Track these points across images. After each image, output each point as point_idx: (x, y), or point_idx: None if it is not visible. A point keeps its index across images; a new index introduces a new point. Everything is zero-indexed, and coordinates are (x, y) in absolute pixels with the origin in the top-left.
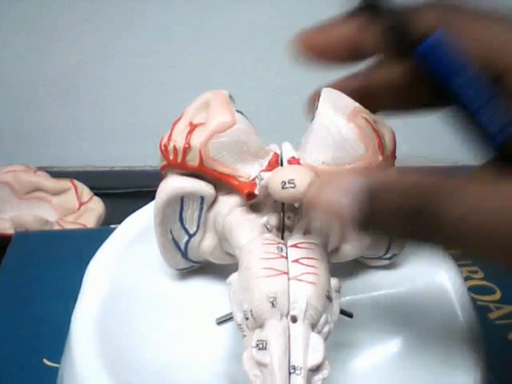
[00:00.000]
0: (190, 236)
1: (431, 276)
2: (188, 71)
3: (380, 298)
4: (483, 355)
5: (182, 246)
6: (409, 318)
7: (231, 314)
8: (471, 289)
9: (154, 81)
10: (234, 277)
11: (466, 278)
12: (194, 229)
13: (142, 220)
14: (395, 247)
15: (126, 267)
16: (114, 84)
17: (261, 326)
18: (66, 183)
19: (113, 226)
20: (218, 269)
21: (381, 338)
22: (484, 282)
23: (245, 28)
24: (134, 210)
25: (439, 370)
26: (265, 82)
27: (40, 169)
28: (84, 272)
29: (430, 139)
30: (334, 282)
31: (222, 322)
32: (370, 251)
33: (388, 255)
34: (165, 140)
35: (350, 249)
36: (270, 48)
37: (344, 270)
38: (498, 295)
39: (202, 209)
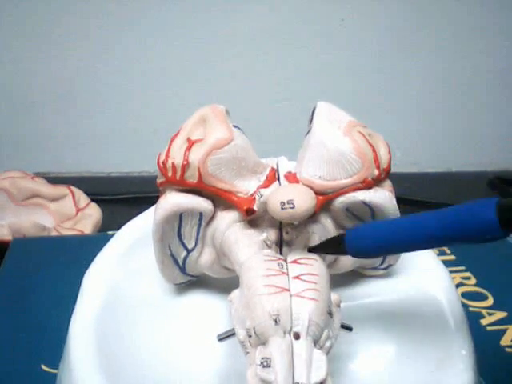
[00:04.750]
0: (189, 251)
1: (425, 285)
2: (185, 79)
3: (375, 306)
4: (475, 361)
5: (180, 262)
6: (402, 325)
7: (233, 330)
8: (464, 295)
9: (151, 87)
10: (235, 294)
11: (459, 285)
12: (193, 244)
13: (140, 227)
14: (391, 258)
15: (124, 274)
16: (111, 90)
17: (264, 343)
18: (63, 189)
19: (110, 232)
20: (215, 278)
21: (375, 344)
22: (476, 289)
23: (245, 35)
24: (131, 216)
25: (432, 376)
26: (263, 92)
27: (37, 175)
28: (81, 278)
29: (424, 146)
30: (334, 296)
31: (223, 338)
32: (367, 262)
33: (384, 265)
34: (163, 157)
35: (348, 260)
36: (268, 56)
37: (340, 278)
38: (490, 301)
39: (200, 224)
